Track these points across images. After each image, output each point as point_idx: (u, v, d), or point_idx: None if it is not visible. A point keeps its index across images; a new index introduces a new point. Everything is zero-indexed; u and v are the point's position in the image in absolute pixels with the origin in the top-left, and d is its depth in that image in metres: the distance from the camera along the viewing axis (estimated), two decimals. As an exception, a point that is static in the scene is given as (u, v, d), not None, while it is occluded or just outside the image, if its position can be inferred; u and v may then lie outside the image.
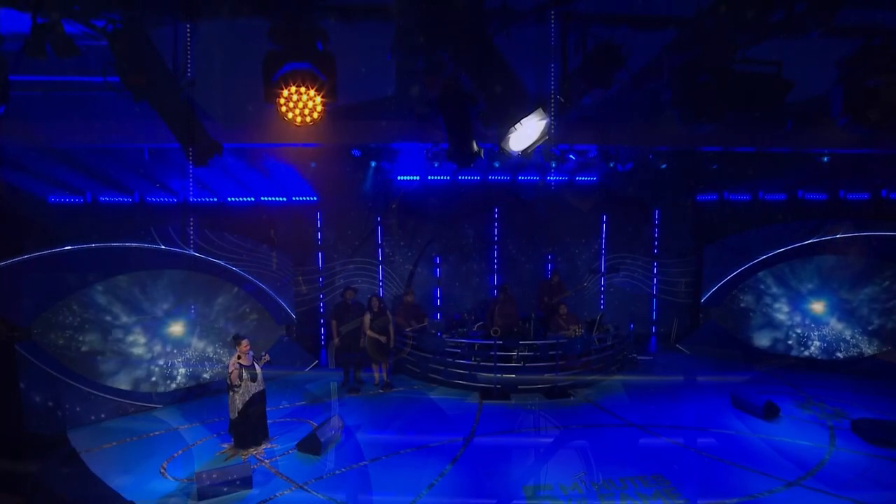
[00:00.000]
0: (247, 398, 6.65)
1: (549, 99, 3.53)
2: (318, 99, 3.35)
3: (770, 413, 7.70)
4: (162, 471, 6.38)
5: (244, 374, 6.61)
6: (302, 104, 3.30)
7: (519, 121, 3.40)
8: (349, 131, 7.00)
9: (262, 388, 6.79)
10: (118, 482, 6.09)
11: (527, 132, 3.49)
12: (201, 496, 5.68)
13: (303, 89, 3.25)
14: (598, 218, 12.71)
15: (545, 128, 3.49)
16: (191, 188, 9.37)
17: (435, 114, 4.06)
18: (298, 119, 3.40)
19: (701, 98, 3.70)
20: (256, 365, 6.76)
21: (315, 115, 3.41)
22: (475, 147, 4.48)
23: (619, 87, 4.90)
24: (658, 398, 8.69)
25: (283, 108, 3.35)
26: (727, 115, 3.74)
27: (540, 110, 3.35)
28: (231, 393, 6.65)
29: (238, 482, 5.84)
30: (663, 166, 9.63)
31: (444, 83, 3.50)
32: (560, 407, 8.36)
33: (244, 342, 6.73)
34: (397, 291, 11.97)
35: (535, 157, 10.38)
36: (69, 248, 7.67)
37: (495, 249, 12.48)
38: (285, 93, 3.29)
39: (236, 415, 6.67)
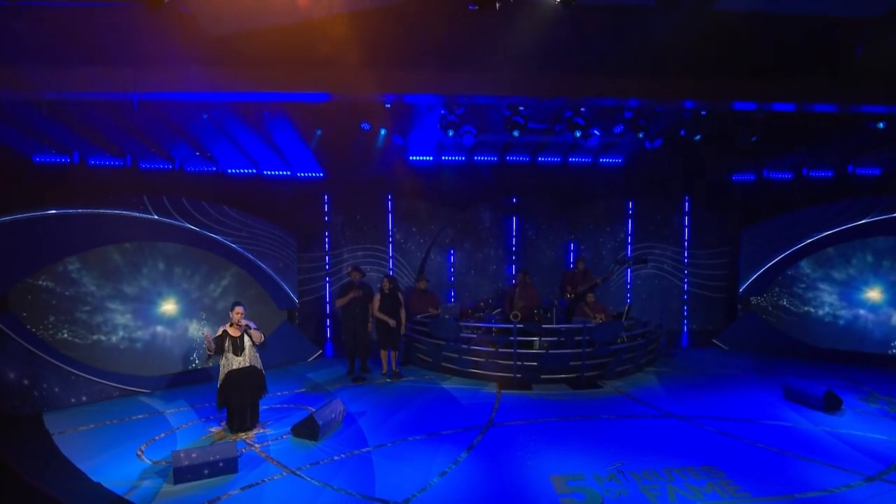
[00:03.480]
0: (226, 371, 5.95)
1: None
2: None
3: (832, 404, 6.75)
4: (139, 454, 5.66)
5: (227, 344, 5.92)
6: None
7: None
8: (362, 78, 6.31)
9: (247, 364, 6.03)
10: (88, 464, 5.39)
11: None
12: (178, 479, 4.93)
13: None
14: (624, 204, 11.90)
15: None
16: (187, 153, 8.76)
17: None
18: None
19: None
20: (246, 337, 6.04)
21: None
22: None
23: None
24: (697, 390, 7.79)
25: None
26: None
27: None
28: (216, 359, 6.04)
29: (221, 464, 5.07)
30: (697, 138, 8.74)
31: None
32: (588, 398, 7.50)
33: (238, 308, 6.06)
34: (408, 280, 11.23)
35: (556, 136, 9.80)
36: (54, 212, 7.09)
37: (513, 236, 11.71)
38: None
39: (220, 385, 5.98)
